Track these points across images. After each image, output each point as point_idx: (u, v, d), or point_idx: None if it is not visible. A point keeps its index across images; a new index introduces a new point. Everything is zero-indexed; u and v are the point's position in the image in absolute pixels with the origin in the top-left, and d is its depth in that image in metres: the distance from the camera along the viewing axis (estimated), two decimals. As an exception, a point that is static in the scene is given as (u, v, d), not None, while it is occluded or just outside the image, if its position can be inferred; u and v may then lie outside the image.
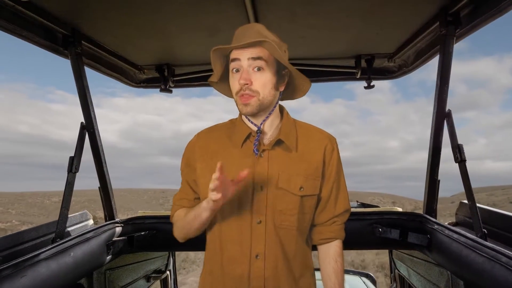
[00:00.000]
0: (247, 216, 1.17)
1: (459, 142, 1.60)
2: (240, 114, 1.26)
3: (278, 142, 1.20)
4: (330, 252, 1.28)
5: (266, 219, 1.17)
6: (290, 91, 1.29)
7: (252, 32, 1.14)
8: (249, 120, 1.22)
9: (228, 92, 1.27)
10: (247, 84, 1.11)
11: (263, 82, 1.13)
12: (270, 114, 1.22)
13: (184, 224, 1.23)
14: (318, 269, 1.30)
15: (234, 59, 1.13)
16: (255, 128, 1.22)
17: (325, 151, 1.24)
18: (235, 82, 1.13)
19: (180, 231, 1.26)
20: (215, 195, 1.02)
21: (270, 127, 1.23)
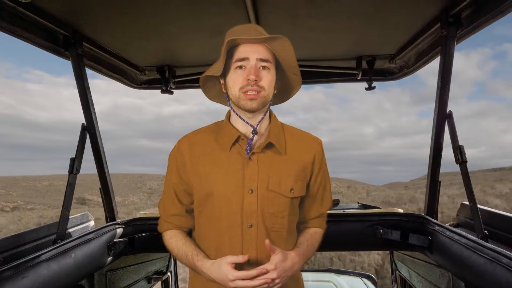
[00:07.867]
0: (237, 220, 1.16)
1: (461, 143, 1.60)
2: (227, 117, 1.25)
3: (268, 145, 1.20)
4: (310, 230, 1.32)
5: (258, 223, 1.16)
6: (279, 95, 1.30)
7: (255, 32, 1.16)
8: (244, 120, 1.20)
9: (213, 94, 1.29)
10: (256, 80, 1.11)
11: (269, 80, 1.15)
12: (265, 114, 1.23)
13: (178, 257, 1.28)
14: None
15: (243, 58, 1.13)
16: (249, 129, 1.20)
17: (316, 154, 1.25)
18: (239, 78, 1.14)
19: (174, 254, 1.32)
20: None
21: (262, 128, 1.23)
